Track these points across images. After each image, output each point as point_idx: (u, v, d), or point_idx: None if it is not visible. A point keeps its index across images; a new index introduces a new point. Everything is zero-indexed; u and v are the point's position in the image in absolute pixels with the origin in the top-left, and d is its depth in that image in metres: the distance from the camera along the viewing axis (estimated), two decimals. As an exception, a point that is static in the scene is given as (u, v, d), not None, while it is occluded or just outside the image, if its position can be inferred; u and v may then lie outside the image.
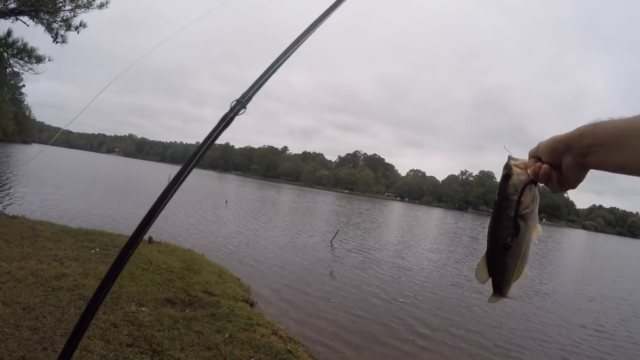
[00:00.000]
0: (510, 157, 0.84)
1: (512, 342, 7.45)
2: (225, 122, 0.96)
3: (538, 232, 0.85)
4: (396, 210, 60.95)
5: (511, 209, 0.82)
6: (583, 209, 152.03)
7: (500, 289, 0.92)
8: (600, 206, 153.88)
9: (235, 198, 32.68)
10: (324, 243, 15.40)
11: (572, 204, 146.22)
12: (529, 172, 0.81)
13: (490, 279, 0.91)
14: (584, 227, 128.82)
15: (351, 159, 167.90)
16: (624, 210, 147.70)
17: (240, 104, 0.98)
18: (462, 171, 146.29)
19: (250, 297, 7.01)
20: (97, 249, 7.25)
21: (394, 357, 5.96)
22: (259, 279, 8.85)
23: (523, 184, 0.80)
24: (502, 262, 0.87)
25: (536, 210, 0.83)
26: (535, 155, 0.80)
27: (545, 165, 0.78)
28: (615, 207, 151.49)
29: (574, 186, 0.77)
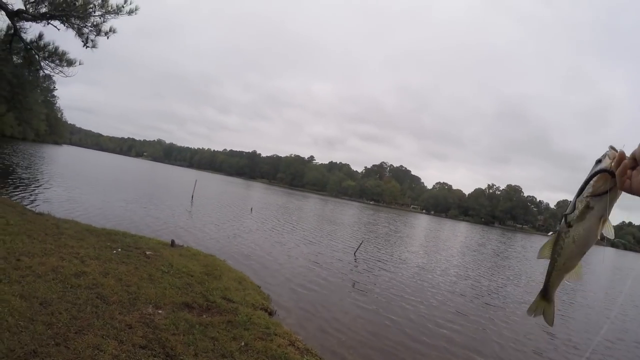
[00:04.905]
0: (610, 147, 0.86)
1: None
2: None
3: (605, 228, 0.85)
4: (422, 223, 59.72)
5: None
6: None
7: (547, 286, 0.99)
8: (630, 223, 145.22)
9: (261, 206, 32.80)
10: (348, 254, 15.12)
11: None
12: (612, 162, 0.82)
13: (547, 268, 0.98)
14: (613, 245, 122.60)
15: (377, 170, 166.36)
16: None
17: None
18: (489, 185, 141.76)
19: (270, 306, 6.85)
20: (119, 249, 7.27)
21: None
22: (279, 288, 8.69)
23: (599, 169, 0.83)
24: (561, 242, 0.91)
25: (605, 204, 0.83)
26: (633, 156, 0.80)
27: (621, 151, 0.81)
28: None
29: (638, 192, 0.80)
